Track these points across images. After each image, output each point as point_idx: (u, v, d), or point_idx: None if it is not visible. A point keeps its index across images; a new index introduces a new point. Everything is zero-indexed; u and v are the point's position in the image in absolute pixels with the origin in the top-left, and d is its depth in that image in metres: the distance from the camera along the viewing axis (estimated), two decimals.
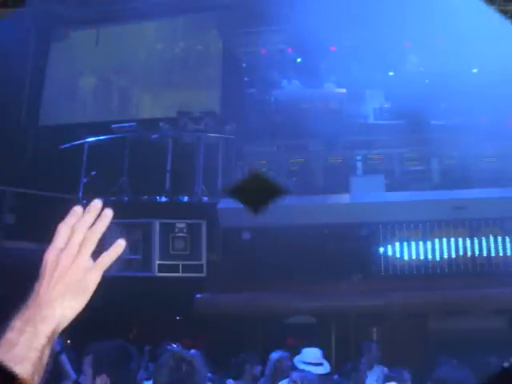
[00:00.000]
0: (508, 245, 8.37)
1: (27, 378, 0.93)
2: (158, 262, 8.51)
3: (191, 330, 9.35)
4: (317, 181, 9.44)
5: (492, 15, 8.89)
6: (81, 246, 1.02)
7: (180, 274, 8.53)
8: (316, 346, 5.61)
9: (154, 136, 9.80)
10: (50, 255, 1.02)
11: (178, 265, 8.55)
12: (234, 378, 5.65)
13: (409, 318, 8.73)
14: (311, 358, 5.32)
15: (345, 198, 8.81)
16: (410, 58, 10.97)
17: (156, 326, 9.54)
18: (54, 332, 0.98)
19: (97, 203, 1.05)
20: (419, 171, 9.33)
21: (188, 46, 12.68)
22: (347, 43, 10.85)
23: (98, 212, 1.04)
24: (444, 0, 9.44)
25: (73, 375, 4.25)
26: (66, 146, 9.87)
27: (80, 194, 9.16)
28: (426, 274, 8.43)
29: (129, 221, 8.03)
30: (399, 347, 7.97)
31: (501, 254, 8.36)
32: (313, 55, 10.80)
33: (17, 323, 0.96)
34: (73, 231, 1.03)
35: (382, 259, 8.57)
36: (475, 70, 10.38)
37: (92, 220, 1.04)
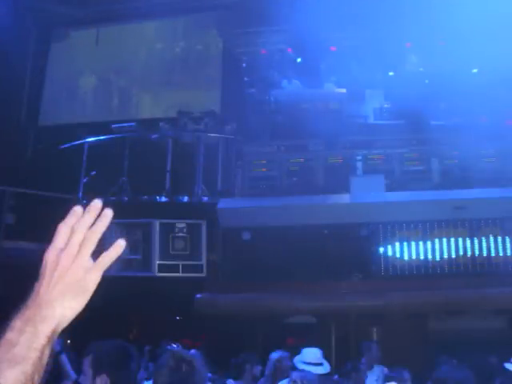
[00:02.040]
0: (508, 245, 8.37)
1: (27, 378, 0.93)
2: (157, 262, 8.50)
3: (191, 330, 9.36)
4: (317, 181, 9.43)
5: (492, 15, 8.91)
6: (81, 245, 1.02)
7: (180, 274, 8.53)
8: (316, 346, 5.62)
9: (154, 136, 9.80)
10: (50, 255, 1.02)
11: (178, 265, 8.55)
12: (234, 378, 5.65)
13: (409, 318, 8.73)
14: (311, 358, 5.32)
15: (345, 198, 8.80)
16: (410, 57, 10.97)
17: (156, 326, 9.55)
18: (53, 332, 0.98)
19: (97, 203, 1.05)
20: (419, 171, 9.32)
21: (188, 46, 12.68)
22: (347, 43, 10.85)
23: (97, 212, 1.04)
24: (444, 0, 9.44)
25: (73, 375, 4.26)
26: (66, 146, 9.87)
27: (80, 194, 9.16)
28: (426, 274, 8.42)
29: (129, 221, 8.03)
30: (399, 347, 7.97)
31: (501, 254, 8.36)
32: (313, 55, 10.80)
33: (17, 323, 0.96)
34: (73, 231, 1.03)
35: (382, 259, 8.56)
36: (475, 70, 10.38)
37: (92, 220, 1.04)
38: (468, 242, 8.42)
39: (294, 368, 5.14)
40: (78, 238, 1.02)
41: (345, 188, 8.85)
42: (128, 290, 7.65)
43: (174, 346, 6.26)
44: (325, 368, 5.34)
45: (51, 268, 1.01)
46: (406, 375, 5.35)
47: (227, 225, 8.79)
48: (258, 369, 5.79)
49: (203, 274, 8.60)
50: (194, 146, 9.53)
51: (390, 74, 10.99)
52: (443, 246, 8.46)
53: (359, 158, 9.50)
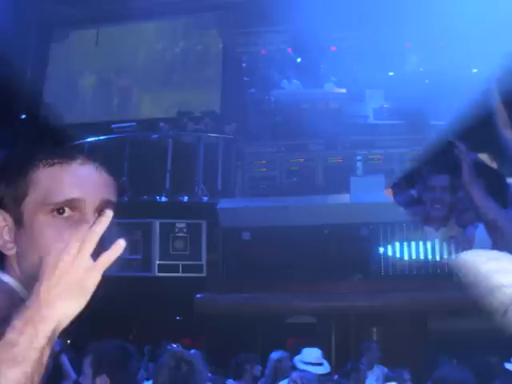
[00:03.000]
0: None
1: (27, 379, 0.93)
2: (157, 262, 8.51)
3: (191, 330, 9.36)
4: (317, 181, 9.43)
5: (492, 15, 8.90)
6: (81, 245, 1.02)
7: (180, 274, 8.53)
8: (316, 346, 5.62)
9: (154, 136, 9.80)
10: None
11: (178, 265, 8.55)
12: (234, 378, 5.66)
13: (409, 318, 8.73)
14: (311, 358, 5.33)
15: (345, 198, 8.80)
16: (410, 57, 10.97)
17: (156, 326, 9.55)
18: (54, 332, 0.97)
19: None
20: None
21: (188, 46, 12.68)
22: (347, 43, 10.86)
23: None
24: (444, 0, 9.44)
25: (73, 375, 4.25)
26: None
27: None
28: (426, 274, 8.42)
29: (129, 221, 8.03)
30: (399, 347, 7.97)
31: None
32: (313, 55, 10.80)
33: (17, 323, 0.95)
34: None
35: (382, 259, 8.57)
36: (475, 70, 10.37)
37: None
38: None
39: (294, 368, 5.15)
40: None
41: (345, 188, 8.85)
42: (128, 290, 7.64)
43: (174, 345, 6.27)
44: (325, 368, 5.35)
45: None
46: (406, 375, 5.36)
47: (227, 225, 8.79)
48: (258, 369, 5.79)
49: (203, 274, 8.61)
50: (194, 146, 9.53)
51: (390, 74, 10.98)
52: (443, 246, 8.45)
53: (359, 158, 9.50)
